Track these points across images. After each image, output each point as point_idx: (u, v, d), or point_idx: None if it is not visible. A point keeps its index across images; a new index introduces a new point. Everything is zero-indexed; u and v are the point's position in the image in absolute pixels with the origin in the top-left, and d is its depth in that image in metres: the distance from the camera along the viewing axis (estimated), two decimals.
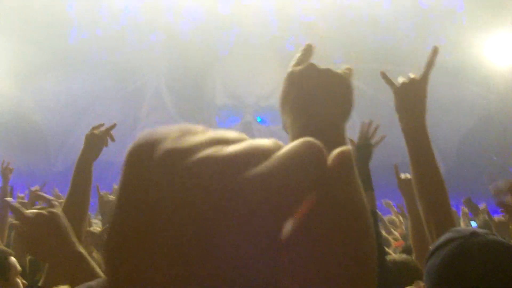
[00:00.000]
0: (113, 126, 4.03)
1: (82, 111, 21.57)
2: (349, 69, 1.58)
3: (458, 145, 20.28)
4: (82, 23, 21.46)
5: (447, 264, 1.80)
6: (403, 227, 8.20)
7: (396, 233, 7.73)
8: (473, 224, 7.67)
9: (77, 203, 3.36)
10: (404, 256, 4.10)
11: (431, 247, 1.94)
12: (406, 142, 2.60)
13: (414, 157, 2.57)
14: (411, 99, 2.63)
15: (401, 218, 8.84)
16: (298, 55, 1.60)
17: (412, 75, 2.63)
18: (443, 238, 1.90)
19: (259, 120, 22.72)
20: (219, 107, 22.69)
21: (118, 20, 21.64)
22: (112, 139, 3.95)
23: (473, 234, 1.86)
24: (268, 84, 22.09)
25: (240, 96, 22.29)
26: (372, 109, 22.10)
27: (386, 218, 8.73)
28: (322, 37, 20.65)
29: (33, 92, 20.58)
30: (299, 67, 1.49)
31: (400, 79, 2.68)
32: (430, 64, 2.63)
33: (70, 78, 21.46)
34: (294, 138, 0.96)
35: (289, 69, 1.54)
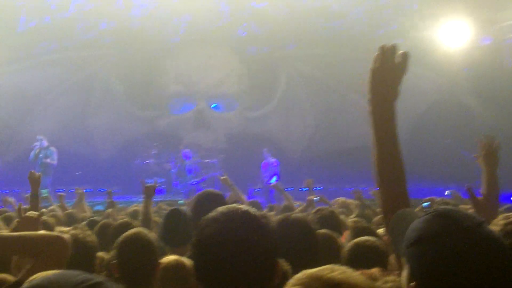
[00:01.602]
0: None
1: (32, 101, 21.19)
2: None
3: (412, 129, 20.47)
4: (31, 11, 20.96)
5: (455, 259, 1.73)
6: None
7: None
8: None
9: None
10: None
11: (415, 232, 1.85)
12: (373, 125, 2.51)
13: (379, 141, 2.50)
14: (387, 81, 2.55)
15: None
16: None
17: (397, 57, 2.54)
18: (436, 224, 1.82)
19: (213, 107, 22.62)
20: (172, 95, 22.50)
21: (67, 7, 21.18)
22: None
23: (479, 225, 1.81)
24: (220, 71, 22.00)
25: (192, 83, 22.11)
26: (323, 94, 22.30)
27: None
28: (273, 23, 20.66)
29: None
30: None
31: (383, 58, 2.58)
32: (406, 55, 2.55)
33: (19, 67, 21.11)
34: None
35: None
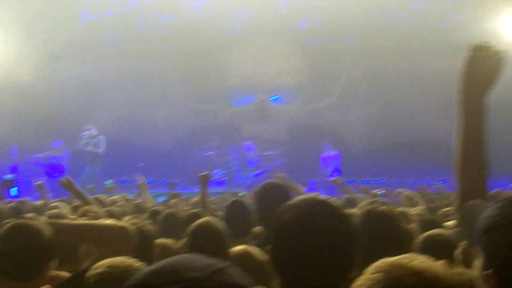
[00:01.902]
0: None
1: (95, 93, 21.54)
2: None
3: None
4: (93, 5, 21.30)
5: None
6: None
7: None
8: None
9: None
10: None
11: (490, 219, 1.76)
12: (462, 119, 2.39)
13: (466, 132, 2.38)
14: (480, 83, 2.39)
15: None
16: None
17: (495, 48, 2.41)
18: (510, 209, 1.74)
19: (273, 99, 22.58)
20: (232, 88, 22.56)
21: (129, 1, 21.44)
22: None
23: None
24: (281, 63, 21.94)
25: (253, 76, 22.11)
26: (384, 87, 22.00)
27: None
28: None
29: (45, 78, 20.62)
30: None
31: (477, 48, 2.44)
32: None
33: (82, 60, 21.49)
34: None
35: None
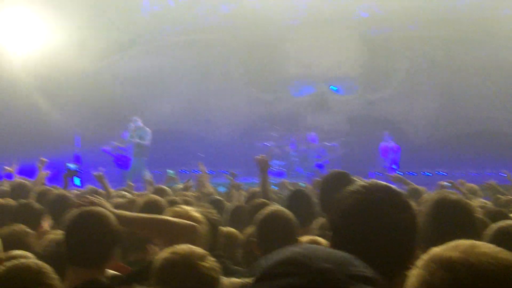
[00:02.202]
0: None
1: (155, 84, 21.79)
2: None
3: None
4: None
5: None
6: None
7: None
8: None
9: None
10: None
11: None
12: None
13: None
14: None
15: None
16: None
17: None
18: None
19: (333, 89, 22.41)
20: (292, 78, 22.50)
21: None
22: None
23: None
24: (341, 53, 21.74)
25: (312, 65, 21.98)
26: (446, 77, 21.63)
27: None
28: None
29: (108, 68, 20.96)
30: None
31: None
32: None
33: (143, 50, 21.76)
34: None
35: None
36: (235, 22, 21.90)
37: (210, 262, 2.83)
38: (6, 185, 8.25)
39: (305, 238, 3.69)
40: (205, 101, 22.21)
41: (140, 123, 18.12)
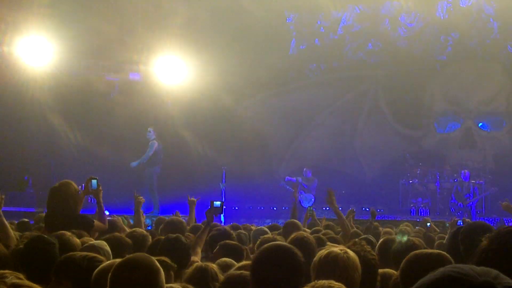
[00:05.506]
0: None
1: (303, 121, 22.25)
2: None
3: None
4: (301, 34, 22.15)
5: None
6: None
7: None
8: None
9: None
10: None
11: None
12: None
13: None
14: None
15: None
16: None
17: None
18: None
19: (480, 125, 21.84)
20: (437, 113, 22.16)
21: (336, 29, 22.03)
22: None
23: None
24: (489, 88, 21.22)
25: (459, 101, 21.58)
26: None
27: None
28: None
29: (254, 104, 21.71)
30: None
31: None
32: None
33: (291, 88, 22.32)
34: None
35: None
36: (383, 58, 22.04)
37: None
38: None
39: None
40: (352, 137, 22.24)
41: (153, 135, 18.03)
